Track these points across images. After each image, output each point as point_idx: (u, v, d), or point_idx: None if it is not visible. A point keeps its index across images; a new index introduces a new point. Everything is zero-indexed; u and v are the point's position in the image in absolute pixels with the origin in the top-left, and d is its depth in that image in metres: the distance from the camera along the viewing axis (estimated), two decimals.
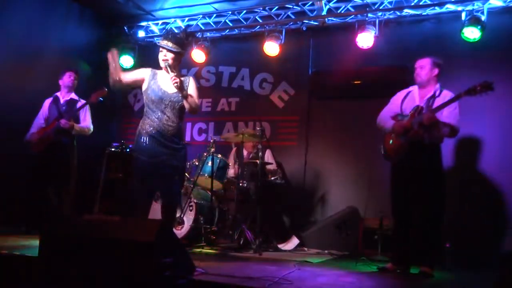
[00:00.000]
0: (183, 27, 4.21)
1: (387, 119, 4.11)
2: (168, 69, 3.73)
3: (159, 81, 3.82)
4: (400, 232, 4.01)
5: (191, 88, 3.85)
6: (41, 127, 5.29)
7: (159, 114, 3.74)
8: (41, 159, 5.21)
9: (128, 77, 3.86)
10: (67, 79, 5.39)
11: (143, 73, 3.87)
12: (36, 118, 5.38)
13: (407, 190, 3.93)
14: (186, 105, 3.79)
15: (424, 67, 4.02)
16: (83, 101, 5.40)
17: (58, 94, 5.43)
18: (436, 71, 4.02)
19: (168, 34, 3.85)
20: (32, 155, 5.24)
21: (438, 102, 3.90)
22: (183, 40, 3.86)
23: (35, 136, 5.23)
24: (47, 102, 5.42)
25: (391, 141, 4.01)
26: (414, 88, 4.14)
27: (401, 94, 4.18)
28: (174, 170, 3.74)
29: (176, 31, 4.08)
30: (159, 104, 3.76)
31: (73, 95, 5.45)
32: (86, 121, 5.40)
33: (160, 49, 3.82)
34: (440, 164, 3.98)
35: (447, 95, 3.94)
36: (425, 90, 4.04)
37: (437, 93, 3.98)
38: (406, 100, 4.10)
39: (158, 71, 3.90)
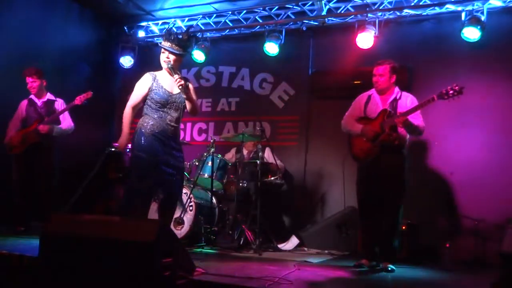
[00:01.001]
0: (185, 29, 4.20)
1: (353, 122, 4.22)
2: (172, 71, 3.76)
3: (162, 83, 3.85)
4: (368, 229, 4.13)
5: (191, 90, 3.91)
6: (19, 129, 5.31)
7: (161, 113, 3.79)
8: (21, 161, 5.25)
9: (137, 102, 3.89)
10: (30, 84, 5.34)
11: (145, 86, 3.86)
12: (13, 121, 5.40)
13: (373, 189, 4.05)
14: (188, 106, 3.81)
15: (383, 75, 4.13)
16: (60, 100, 5.44)
17: (32, 96, 5.42)
18: (394, 77, 4.15)
19: (170, 36, 3.85)
20: (12, 156, 5.28)
21: (400, 104, 4.08)
22: (186, 42, 3.90)
23: (15, 138, 5.26)
24: (23, 103, 5.42)
25: (361, 144, 4.12)
26: (374, 92, 4.25)
27: (362, 98, 4.30)
28: (174, 169, 3.76)
29: (178, 32, 4.11)
30: (163, 105, 3.80)
31: (49, 95, 5.47)
32: (66, 120, 5.42)
33: (162, 50, 3.83)
34: (404, 166, 4.09)
35: (408, 97, 4.13)
36: (385, 95, 4.17)
37: (398, 96, 4.13)
38: (369, 105, 4.21)
39: (157, 73, 3.93)
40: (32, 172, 5.24)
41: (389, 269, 3.92)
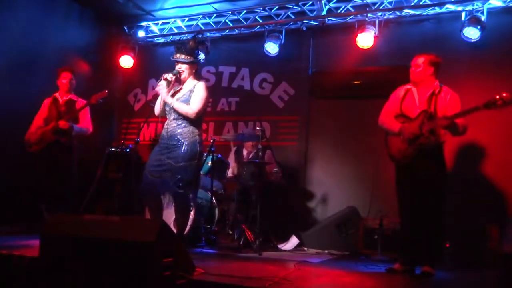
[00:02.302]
0: (193, 36, 4.39)
1: (391, 120, 4.05)
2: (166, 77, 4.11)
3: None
4: (407, 233, 3.99)
5: (195, 93, 4.19)
6: (39, 127, 5.29)
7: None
8: (39, 159, 5.22)
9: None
10: (62, 80, 5.39)
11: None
12: (35, 118, 5.39)
13: (412, 192, 3.92)
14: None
15: (419, 66, 3.98)
16: (82, 101, 5.41)
17: (56, 94, 5.43)
18: (431, 70, 3.96)
19: (179, 46, 4.17)
20: (30, 154, 5.24)
21: (440, 99, 3.87)
22: (194, 50, 4.19)
23: (34, 136, 5.23)
24: (47, 102, 5.42)
25: (398, 144, 3.94)
26: (412, 86, 4.08)
27: (399, 92, 4.11)
28: (167, 167, 4.13)
29: (185, 41, 4.41)
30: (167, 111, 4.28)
31: (72, 95, 5.45)
32: (86, 121, 5.41)
33: (175, 62, 4.20)
34: (445, 167, 3.98)
35: (448, 93, 3.92)
36: (423, 88, 3.99)
37: (436, 91, 3.94)
38: (406, 100, 4.04)
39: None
40: (51, 171, 5.18)
41: (430, 274, 3.76)
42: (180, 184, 4.10)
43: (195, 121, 4.22)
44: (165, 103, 4.23)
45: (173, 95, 4.24)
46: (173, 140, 4.16)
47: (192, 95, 4.19)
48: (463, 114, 3.73)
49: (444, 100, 3.87)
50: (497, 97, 3.52)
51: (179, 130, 4.17)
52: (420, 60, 3.98)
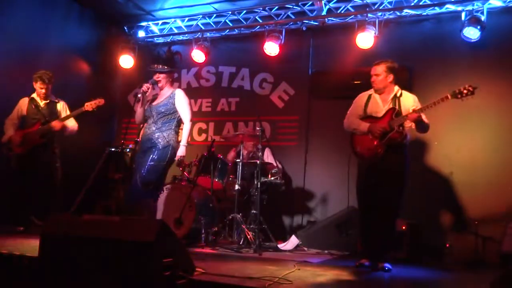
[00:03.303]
0: (168, 48, 4.86)
1: (358, 121, 4.22)
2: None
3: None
4: (367, 228, 4.12)
5: (179, 103, 4.52)
6: (18, 129, 5.30)
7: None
8: (24, 161, 5.21)
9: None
10: (39, 89, 5.33)
11: None
12: (10, 118, 5.36)
13: (375, 187, 4.04)
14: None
15: (379, 74, 4.15)
16: (61, 102, 5.47)
17: (34, 95, 5.40)
18: (391, 76, 4.15)
19: (156, 58, 4.57)
20: (11, 156, 5.24)
21: (403, 102, 4.08)
22: (170, 60, 4.55)
23: (15, 138, 5.22)
24: (23, 101, 5.39)
25: (367, 143, 4.10)
26: (373, 92, 4.25)
27: (362, 98, 4.30)
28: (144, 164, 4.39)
29: (161, 52, 4.71)
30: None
31: (52, 96, 5.47)
32: (71, 120, 5.42)
33: (153, 73, 4.57)
34: (408, 165, 4.10)
35: (410, 96, 4.14)
36: (384, 94, 4.18)
37: (398, 94, 4.14)
38: (370, 104, 4.21)
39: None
40: (35, 173, 5.21)
41: (386, 268, 3.93)
42: (148, 182, 4.32)
43: (173, 126, 4.53)
44: (145, 109, 4.56)
45: (152, 101, 4.62)
46: (149, 143, 4.43)
47: (176, 104, 4.52)
48: (433, 104, 3.91)
49: (408, 101, 4.09)
50: (462, 87, 3.81)
51: (156, 134, 4.46)
52: (380, 68, 4.16)
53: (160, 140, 4.43)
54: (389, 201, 3.99)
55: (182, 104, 4.54)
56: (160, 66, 4.52)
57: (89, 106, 5.20)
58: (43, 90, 5.33)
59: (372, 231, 4.06)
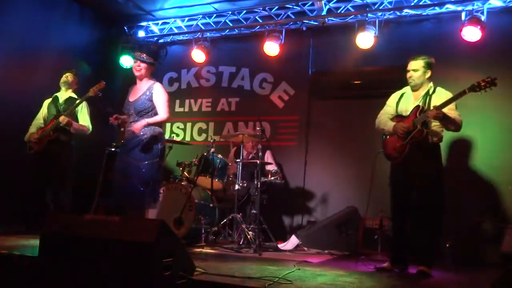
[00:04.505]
0: (156, 41, 4.61)
1: (386, 121, 4.11)
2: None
3: (129, 94, 4.43)
4: (399, 232, 4.02)
5: (157, 98, 4.28)
6: (39, 127, 5.29)
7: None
8: (39, 158, 5.20)
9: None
10: (64, 78, 5.38)
11: None
12: (35, 118, 5.38)
13: (408, 190, 3.94)
14: None
15: (417, 70, 4.00)
16: (83, 100, 5.40)
17: (58, 94, 5.43)
18: (429, 73, 4.00)
19: (142, 46, 4.47)
20: (30, 155, 5.22)
21: (435, 99, 3.91)
22: (155, 52, 4.40)
23: (34, 136, 5.23)
24: (47, 101, 5.41)
25: (394, 143, 3.98)
26: (407, 89, 4.13)
27: (395, 96, 4.19)
28: (129, 167, 4.23)
29: (149, 43, 4.75)
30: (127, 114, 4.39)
31: (72, 94, 5.44)
32: (85, 120, 5.38)
33: (135, 60, 4.38)
34: (441, 165, 4.00)
35: (441, 92, 3.96)
36: (419, 91, 4.04)
37: (430, 91, 3.99)
38: (402, 102, 4.10)
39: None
40: (49, 170, 5.15)
41: (427, 273, 3.75)
42: (147, 182, 4.18)
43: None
44: (124, 105, 4.39)
45: (132, 95, 4.41)
46: (137, 140, 4.22)
47: (154, 99, 4.28)
48: (450, 101, 3.77)
49: (439, 97, 3.90)
50: (481, 80, 3.64)
51: (144, 131, 4.22)
52: (417, 63, 4.00)
53: (149, 136, 4.22)
54: (421, 203, 3.84)
55: (159, 100, 4.29)
56: (144, 55, 4.33)
57: (92, 91, 5.18)
58: (65, 78, 5.36)
59: (403, 235, 3.93)
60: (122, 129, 4.45)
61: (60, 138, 5.19)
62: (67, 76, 5.39)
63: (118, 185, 4.27)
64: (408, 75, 4.04)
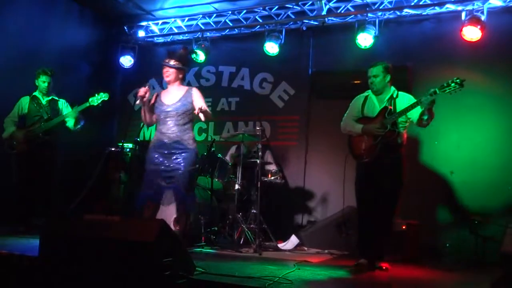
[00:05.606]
0: (184, 46, 4.68)
1: (353, 123, 4.23)
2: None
3: (162, 97, 4.44)
4: (365, 228, 4.10)
5: (197, 100, 4.36)
6: (19, 126, 5.28)
7: (159, 126, 4.42)
8: (25, 159, 5.20)
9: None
10: (41, 82, 5.34)
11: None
12: (9, 116, 5.35)
13: (372, 188, 4.05)
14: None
15: (377, 76, 4.13)
16: (62, 100, 5.46)
17: (36, 93, 5.40)
18: (388, 77, 4.14)
19: (170, 53, 4.46)
20: (11, 154, 5.22)
21: (399, 102, 4.06)
22: (184, 57, 4.46)
23: (18, 136, 5.22)
24: (25, 100, 5.37)
25: (363, 144, 4.11)
26: (369, 93, 4.25)
27: (359, 99, 4.31)
28: (173, 172, 4.24)
29: (177, 49, 4.65)
30: (160, 117, 4.42)
31: (53, 95, 5.46)
32: (68, 110, 5.42)
33: (163, 66, 4.42)
34: (404, 164, 4.09)
35: (404, 96, 4.13)
36: (381, 95, 4.17)
37: (394, 94, 4.13)
38: (366, 105, 4.22)
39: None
40: (35, 170, 5.19)
41: (384, 268, 3.95)
42: (188, 188, 4.26)
43: (192, 126, 4.46)
44: (153, 111, 4.41)
45: (167, 99, 4.43)
46: (179, 145, 4.28)
47: (194, 100, 4.35)
48: (419, 102, 3.85)
49: (402, 100, 4.06)
50: (450, 81, 3.72)
51: (186, 136, 4.33)
52: (377, 69, 4.14)
53: (190, 142, 4.33)
54: (386, 201, 3.99)
55: (202, 102, 4.35)
56: (172, 61, 4.38)
57: (95, 101, 5.20)
58: (46, 84, 5.33)
59: (369, 231, 4.05)
60: (142, 106, 4.40)
61: (49, 140, 5.22)
62: (50, 83, 5.36)
63: (154, 187, 4.24)
64: (370, 81, 4.19)
